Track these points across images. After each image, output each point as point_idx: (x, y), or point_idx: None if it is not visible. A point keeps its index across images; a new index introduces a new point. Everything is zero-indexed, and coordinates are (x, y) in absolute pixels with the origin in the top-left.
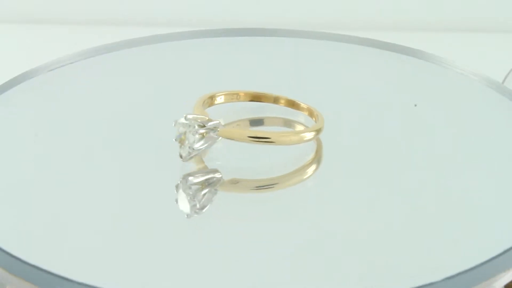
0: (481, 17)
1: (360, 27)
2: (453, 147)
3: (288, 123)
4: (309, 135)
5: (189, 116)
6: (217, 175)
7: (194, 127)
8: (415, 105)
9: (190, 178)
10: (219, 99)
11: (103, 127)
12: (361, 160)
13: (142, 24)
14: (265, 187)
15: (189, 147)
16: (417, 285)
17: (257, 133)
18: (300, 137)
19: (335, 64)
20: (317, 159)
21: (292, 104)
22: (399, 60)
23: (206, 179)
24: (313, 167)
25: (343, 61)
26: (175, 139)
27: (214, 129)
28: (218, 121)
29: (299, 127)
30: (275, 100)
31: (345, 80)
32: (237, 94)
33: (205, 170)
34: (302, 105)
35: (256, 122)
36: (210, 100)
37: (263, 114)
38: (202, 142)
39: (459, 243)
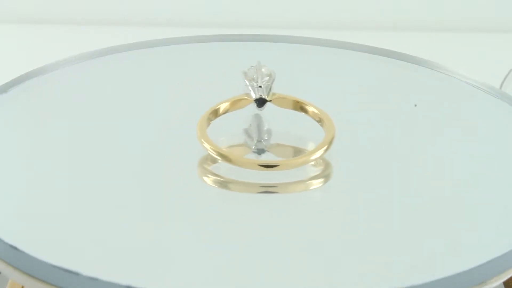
0: (481, 17)
1: (359, 27)
2: (456, 151)
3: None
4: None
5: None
6: None
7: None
8: (415, 105)
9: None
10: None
11: (104, 128)
12: (364, 162)
13: (142, 24)
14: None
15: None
16: (416, 283)
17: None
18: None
19: (336, 70)
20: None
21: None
22: (397, 65)
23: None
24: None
25: (344, 68)
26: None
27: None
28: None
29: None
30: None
31: (346, 85)
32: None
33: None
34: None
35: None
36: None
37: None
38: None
39: (459, 243)
